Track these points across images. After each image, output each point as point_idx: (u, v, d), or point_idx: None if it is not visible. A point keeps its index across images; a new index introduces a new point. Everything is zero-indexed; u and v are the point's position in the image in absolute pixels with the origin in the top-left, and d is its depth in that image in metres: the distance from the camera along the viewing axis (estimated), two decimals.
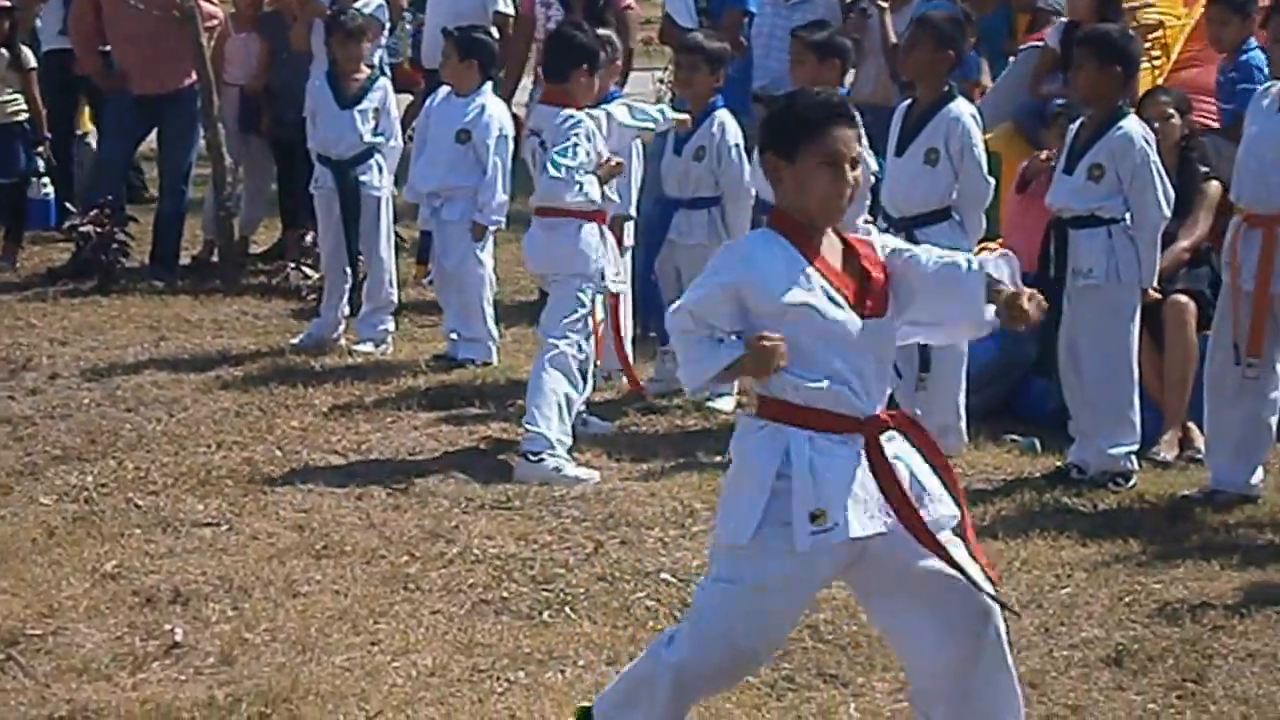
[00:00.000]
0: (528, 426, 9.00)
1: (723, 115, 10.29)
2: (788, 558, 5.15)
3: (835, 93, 5.68)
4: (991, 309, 5.28)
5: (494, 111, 11.12)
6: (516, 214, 11.45)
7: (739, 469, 5.30)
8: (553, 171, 9.08)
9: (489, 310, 11.23)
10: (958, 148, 9.13)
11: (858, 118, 5.36)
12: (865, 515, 5.17)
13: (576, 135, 9.12)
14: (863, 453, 5.20)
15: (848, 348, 5.20)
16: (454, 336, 11.31)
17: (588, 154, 9.14)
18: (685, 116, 10.22)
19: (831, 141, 5.20)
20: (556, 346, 9.08)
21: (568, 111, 9.19)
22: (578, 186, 9.08)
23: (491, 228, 11.05)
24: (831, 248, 5.29)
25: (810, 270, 5.20)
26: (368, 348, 11.56)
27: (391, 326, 11.78)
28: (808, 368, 5.17)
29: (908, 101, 9.54)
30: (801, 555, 5.14)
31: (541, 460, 8.89)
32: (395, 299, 11.83)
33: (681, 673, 5.31)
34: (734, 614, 5.24)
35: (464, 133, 11.04)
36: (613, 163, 9.34)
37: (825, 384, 5.17)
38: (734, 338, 5.23)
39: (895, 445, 5.27)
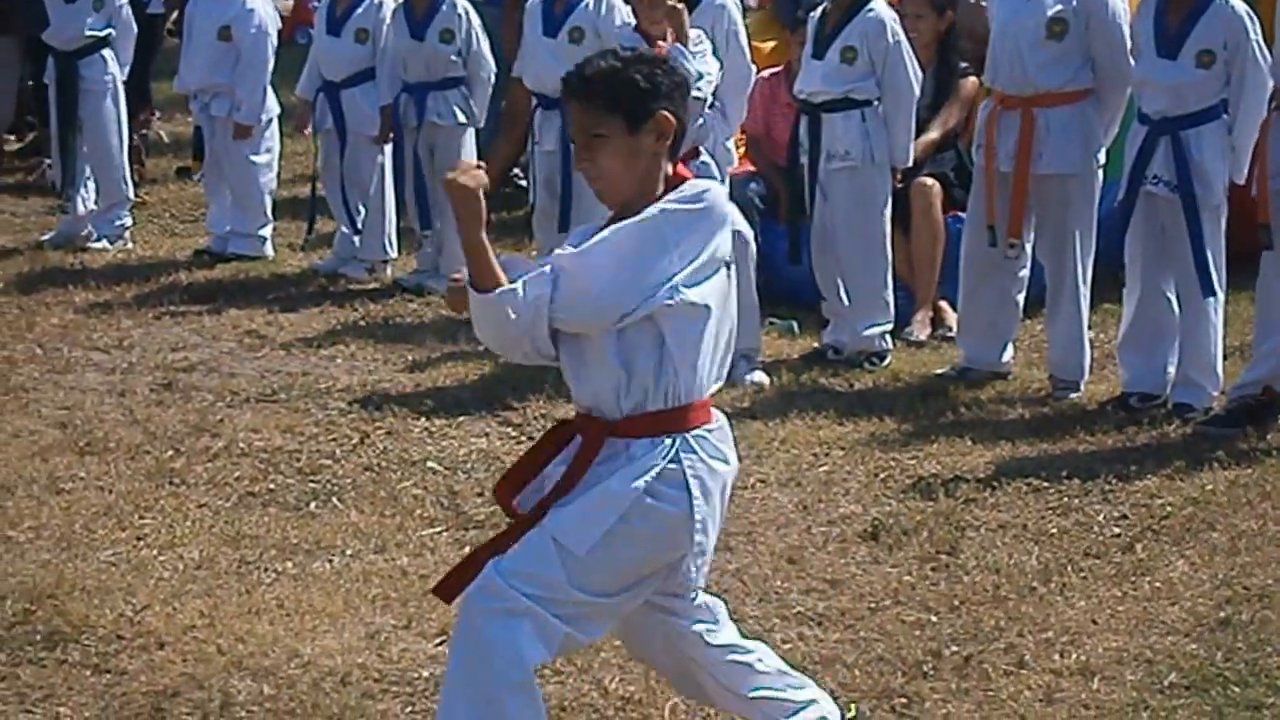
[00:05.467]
0: None
1: None
2: None
3: None
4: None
5: (256, 7, 11.03)
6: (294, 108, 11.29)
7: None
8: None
9: (266, 204, 11.18)
10: (722, 34, 8.90)
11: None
12: None
13: None
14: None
15: None
16: (217, 232, 11.21)
17: None
18: None
19: None
20: None
21: None
22: None
23: (256, 125, 10.98)
24: None
25: None
26: (103, 245, 11.43)
27: (128, 221, 11.65)
28: None
29: None
30: None
31: None
32: (130, 194, 11.68)
33: None
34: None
35: (225, 29, 10.96)
36: None
37: None
38: None
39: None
